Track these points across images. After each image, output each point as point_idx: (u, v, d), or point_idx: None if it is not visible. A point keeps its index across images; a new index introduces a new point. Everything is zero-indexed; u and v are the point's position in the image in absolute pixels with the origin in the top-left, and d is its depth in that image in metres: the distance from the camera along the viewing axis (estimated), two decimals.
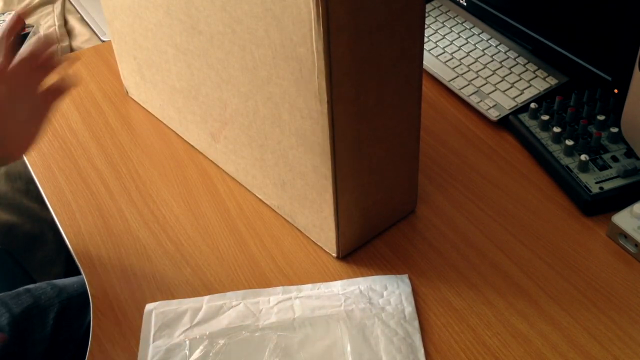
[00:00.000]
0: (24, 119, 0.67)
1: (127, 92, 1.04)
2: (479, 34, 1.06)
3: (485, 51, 1.03)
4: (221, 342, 0.68)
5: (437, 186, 0.85)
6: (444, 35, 1.07)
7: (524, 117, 0.90)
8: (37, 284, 0.87)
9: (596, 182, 0.80)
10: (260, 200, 0.84)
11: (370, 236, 0.79)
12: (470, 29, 1.08)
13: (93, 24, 1.41)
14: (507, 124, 0.92)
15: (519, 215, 0.81)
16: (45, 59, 0.68)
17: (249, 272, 0.76)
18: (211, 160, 0.91)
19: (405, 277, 0.73)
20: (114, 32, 0.96)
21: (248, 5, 0.65)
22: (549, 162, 0.84)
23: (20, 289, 0.85)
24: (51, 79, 0.69)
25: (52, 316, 0.82)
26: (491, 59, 1.01)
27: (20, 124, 0.67)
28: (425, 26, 1.01)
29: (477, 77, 0.99)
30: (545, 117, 0.87)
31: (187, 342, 0.68)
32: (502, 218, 0.80)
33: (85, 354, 0.69)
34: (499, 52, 1.02)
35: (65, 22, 1.47)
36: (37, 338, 0.80)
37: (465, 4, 1.08)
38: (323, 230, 0.75)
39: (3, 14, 1.41)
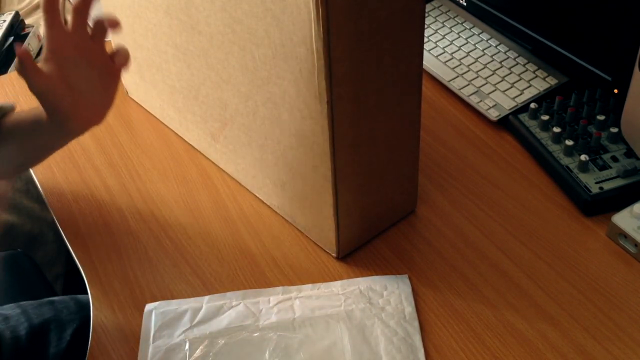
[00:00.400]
0: (94, 86, 0.65)
1: (127, 92, 1.04)
2: (479, 34, 1.06)
3: (485, 51, 1.03)
4: (221, 342, 0.68)
5: (437, 186, 0.85)
6: (444, 35, 1.07)
7: (524, 117, 0.90)
8: (61, 297, 0.85)
9: (596, 182, 0.80)
10: (260, 200, 0.84)
11: (370, 236, 0.79)
12: (470, 29, 1.08)
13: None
14: (507, 124, 0.92)
15: (519, 215, 0.81)
16: (95, 25, 0.66)
17: (249, 272, 0.76)
18: (211, 160, 0.91)
19: (405, 277, 0.73)
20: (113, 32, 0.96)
21: (248, 5, 0.65)
22: (549, 162, 0.84)
23: (44, 300, 0.84)
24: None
25: (70, 332, 0.80)
26: (491, 59, 1.01)
27: (91, 92, 0.65)
28: (425, 26, 1.01)
29: (477, 77, 0.99)
30: (545, 117, 0.87)
31: (187, 342, 0.68)
32: (502, 218, 0.80)
33: None
34: (499, 52, 1.02)
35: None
36: (53, 352, 0.79)
37: (465, 4, 1.08)
38: (323, 230, 0.75)
39: (3, 14, 1.41)
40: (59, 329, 0.81)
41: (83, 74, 0.64)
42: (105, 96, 0.67)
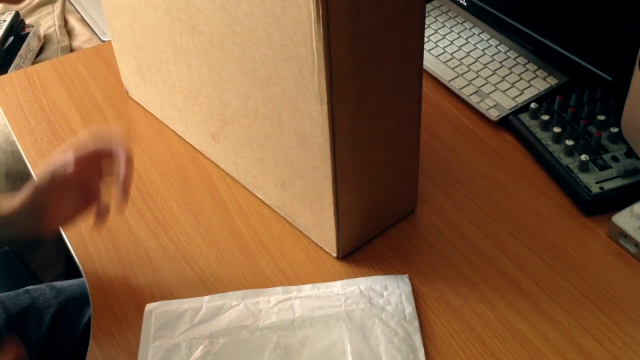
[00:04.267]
0: (73, 207, 0.72)
1: (127, 92, 1.04)
2: (479, 34, 1.06)
3: (485, 51, 1.03)
4: (221, 342, 0.68)
5: (437, 186, 0.85)
6: (444, 35, 1.07)
7: (524, 117, 0.90)
8: (37, 286, 0.86)
9: (596, 182, 0.80)
10: (260, 200, 0.84)
11: (370, 236, 0.79)
12: (470, 29, 1.08)
13: (93, 24, 1.41)
14: (507, 124, 0.92)
15: (519, 215, 0.81)
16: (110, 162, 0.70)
17: (249, 272, 0.76)
18: (211, 160, 0.91)
19: (405, 277, 0.73)
20: (114, 32, 0.96)
21: (248, 5, 0.65)
22: (549, 162, 0.84)
23: (20, 290, 0.85)
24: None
25: (49, 317, 0.82)
26: (491, 59, 1.01)
27: (67, 210, 0.71)
28: (425, 26, 1.01)
29: (477, 77, 0.99)
30: (546, 117, 0.87)
31: (187, 342, 0.68)
32: (502, 218, 0.80)
33: (81, 356, 0.69)
34: (499, 52, 1.02)
35: (65, 22, 1.47)
36: (33, 339, 0.80)
37: (465, 4, 1.08)
38: (323, 230, 0.75)
39: (3, 14, 1.41)
40: (37, 316, 0.82)
41: (70, 195, 0.71)
42: (69, 219, 0.73)
